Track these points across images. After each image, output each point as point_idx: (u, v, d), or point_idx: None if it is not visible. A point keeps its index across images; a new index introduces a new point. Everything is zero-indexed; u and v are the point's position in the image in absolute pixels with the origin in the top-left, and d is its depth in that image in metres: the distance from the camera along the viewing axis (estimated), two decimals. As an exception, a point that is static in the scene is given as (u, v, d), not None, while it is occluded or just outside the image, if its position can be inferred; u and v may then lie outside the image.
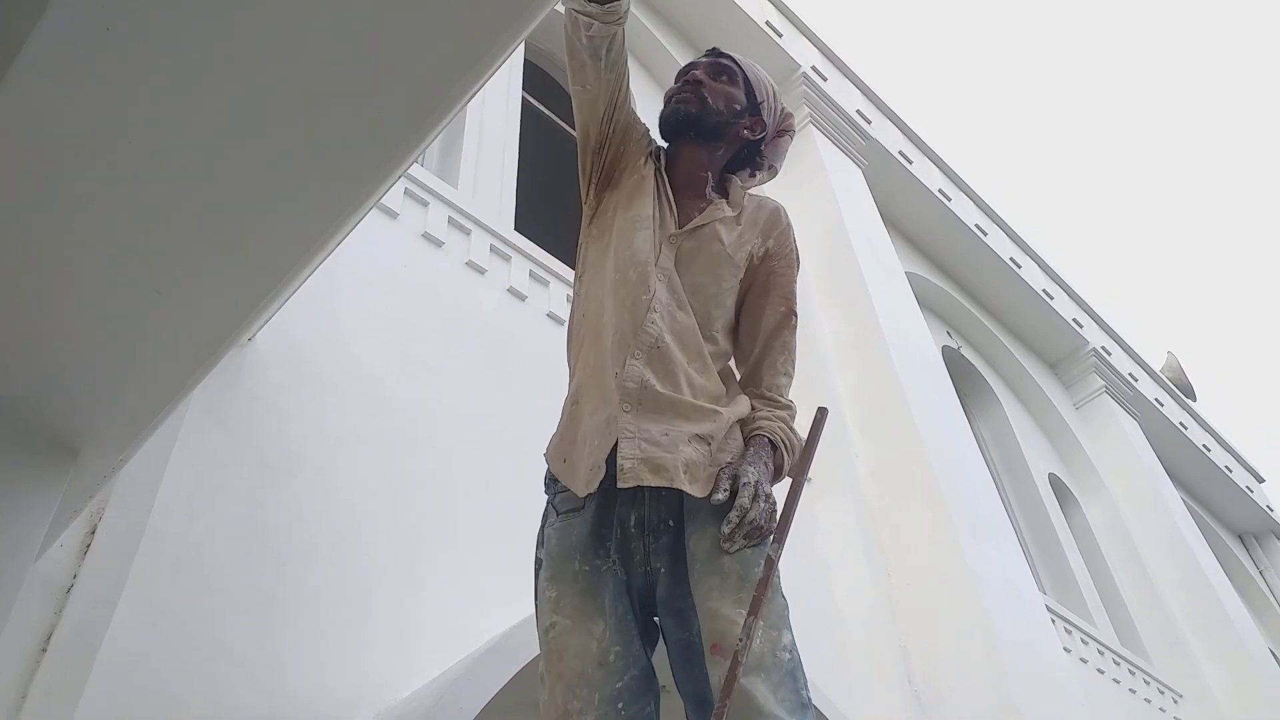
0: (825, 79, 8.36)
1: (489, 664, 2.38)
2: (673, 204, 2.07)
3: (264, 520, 2.81)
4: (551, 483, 1.92)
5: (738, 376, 2.06)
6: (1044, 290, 10.08)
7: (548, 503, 1.92)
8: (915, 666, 4.71)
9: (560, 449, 1.92)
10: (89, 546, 2.35)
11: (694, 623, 1.68)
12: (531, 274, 4.64)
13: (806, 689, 1.61)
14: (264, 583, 2.68)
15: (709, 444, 1.80)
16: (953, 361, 8.68)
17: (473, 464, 3.51)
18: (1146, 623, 8.03)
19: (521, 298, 4.48)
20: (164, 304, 1.69)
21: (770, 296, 2.06)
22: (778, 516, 1.72)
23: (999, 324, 9.69)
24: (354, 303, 3.52)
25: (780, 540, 1.67)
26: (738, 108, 2.13)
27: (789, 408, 1.97)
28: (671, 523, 1.78)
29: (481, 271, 4.36)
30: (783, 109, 2.23)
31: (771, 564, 1.63)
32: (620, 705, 1.64)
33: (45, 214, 1.57)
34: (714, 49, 2.22)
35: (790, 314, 2.06)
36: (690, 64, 2.21)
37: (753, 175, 2.22)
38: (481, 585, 3.12)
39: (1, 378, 1.74)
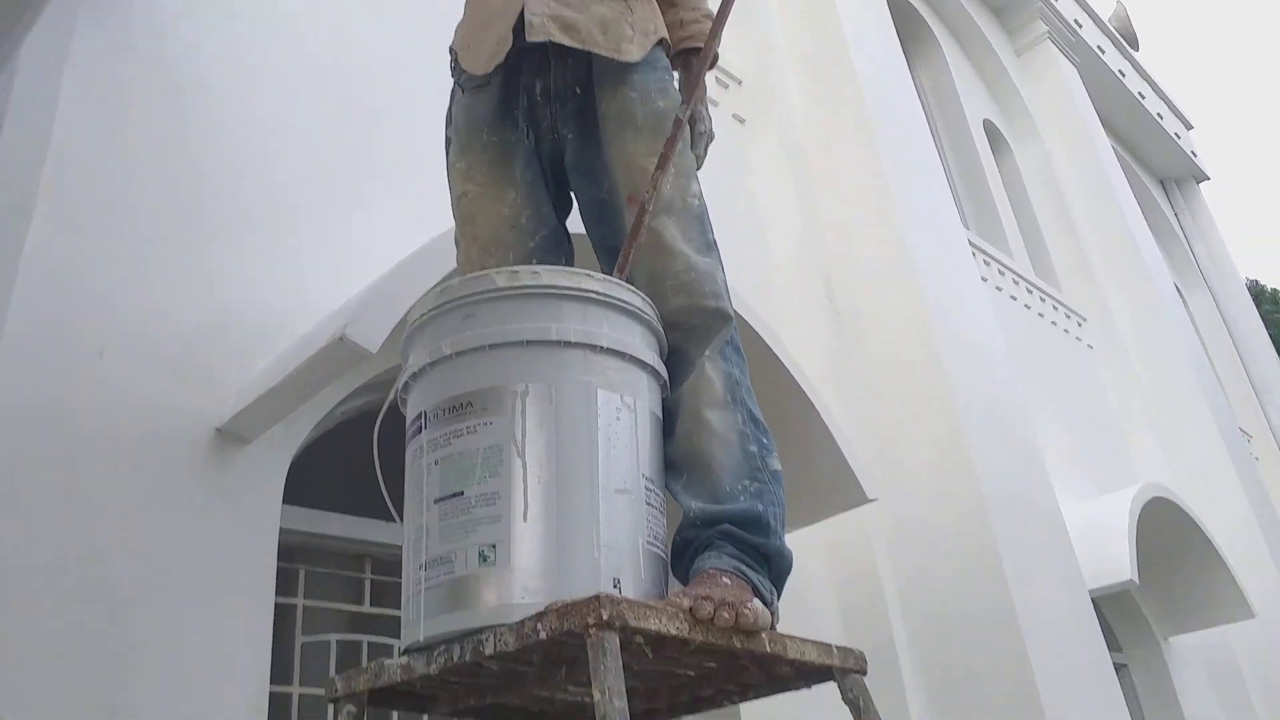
0: None
1: (421, 263, 2.44)
2: None
3: (179, 139, 2.75)
4: (456, 69, 1.93)
5: None
6: (994, -70, 9.61)
7: (454, 84, 1.93)
8: (837, 290, 4.95)
9: (463, 34, 1.91)
10: (-8, 156, 2.30)
11: (604, 181, 1.74)
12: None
13: (713, 233, 1.69)
14: (185, 198, 2.67)
15: (627, 4, 1.79)
16: (897, 6, 8.40)
17: (391, 88, 3.41)
18: (1062, 256, 8.45)
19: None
20: None
21: None
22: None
23: (946, -34, 9.30)
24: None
25: (687, 102, 1.69)
26: None
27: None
28: (579, 89, 1.79)
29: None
30: None
31: (680, 124, 1.66)
32: (534, 261, 1.74)
33: None
34: None
35: None
36: None
37: None
38: (408, 207, 3.14)
39: None
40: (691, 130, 1.82)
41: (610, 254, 1.79)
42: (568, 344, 1.36)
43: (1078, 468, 6.21)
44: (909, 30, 8.67)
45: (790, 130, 5.54)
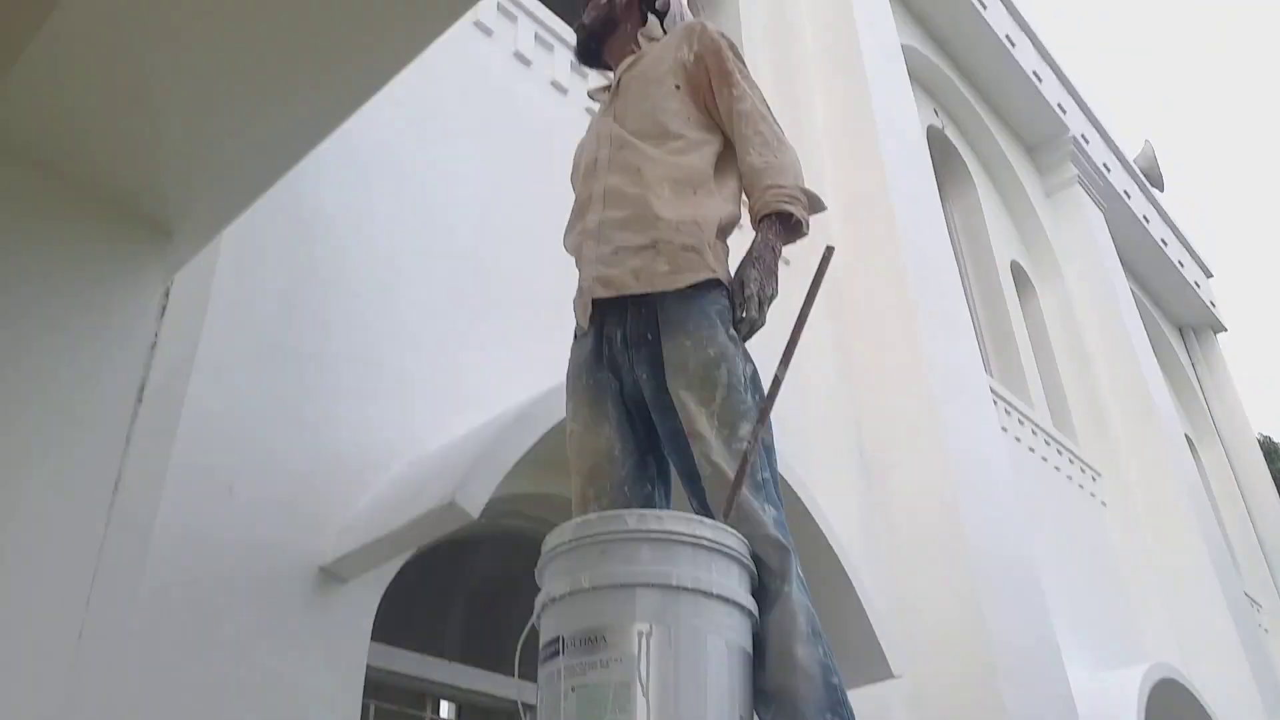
0: None
1: (521, 429, 2.74)
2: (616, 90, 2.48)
3: (307, 282, 3.07)
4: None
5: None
6: (1034, 72, 10.06)
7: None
8: (867, 439, 5.23)
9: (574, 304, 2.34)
10: (164, 308, 2.62)
11: (676, 416, 2.05)
12: (537, 37, 4.66)
13: (764, 470, 1.97)
14: (311, 342, 2.98)
15: (655, 249, 2.12)
16: (935, 141, 8.82)
17: (503, 236, 3.76)
18: (1079, 405, 8.72)
19: (527, 63, 4.54)
20: (259, 114, 1.88)
21: (717, 86, 2.36)
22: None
23: (985, 103, 9.74)
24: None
25: (785, 363, 2.00)
26: (604, 1, 2.56)
27: (770, 172, 2.22)
28: (650, 336, 2.13)
29: (488, 33, 4.39)
30: None
31: (778, 383, 1.96)
32: (625, 488, 2.07)
33: (154, 27, 1.73)
34: None
35: (730, 88, 2.33)
36: None
37: (651, 16, 2.61)
38: (505, 352, 3.47)
39: (113, 172, 1.95)
40: (734, 304, 2.11)
41: (690, 481, 2.09)
42: (684, 589, 1.65)
43: (1087, 635, 6.37)
44: (946, 166, 9.09)
45: (830, 269, 5.77)
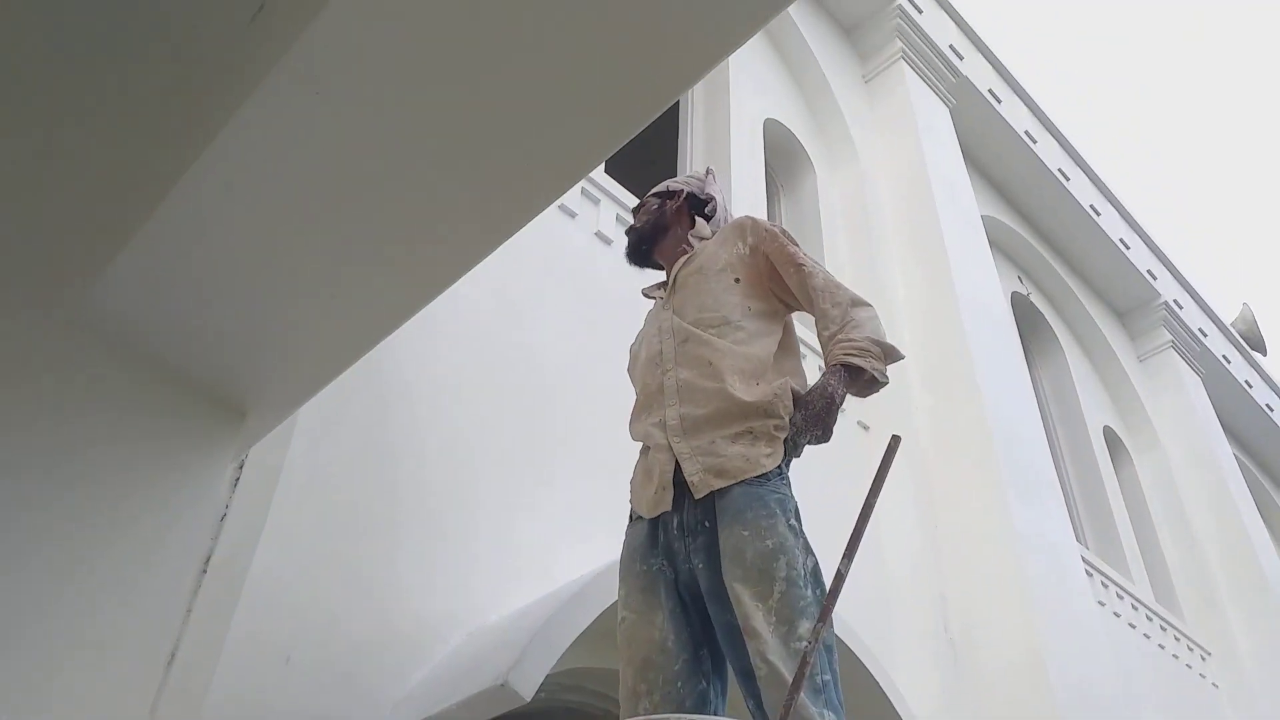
0: (920, 11, 8.23)
1: (575, 606, 2.70)
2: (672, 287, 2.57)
3: (379, 452, 3.13)
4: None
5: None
6: (1121, 240, 9.99)
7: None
8: (952, 615, 5.00)
9: (635, 478, 2.36)
10: (238, 480, 2.69)
11: (732, 610, 1.98)
12: (619, 218, 4.83)
13: (825, 672, 1.88)
14: (380, 510, 3.02)
15: (752, 434, 2.15)
16: (1021, 308, 8.74)
17: (568, 407, 3.80)
18: (1184, 581, 8.22)
19: (608, 241, 4.69)
20: (334, 307, 1.97)
21: (783, 268, 2.42)
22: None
23: (1072, 271, 9.67)
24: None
25: (849, 556, 1.93)
26: (655, 207, 2.72)
27: (842, 329, 2.26)
28: (707, 524, 2.10)
29: (571, 215, 4.56)
30: (688, 179, 2.82)
31: (841, 578, 1.89)
32: (679, 684, 2.00)
33: (240, 228, 1.84)
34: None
35: (798, 268, 2.39)
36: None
37: (700, 219, 2.73)
38: (568, 523, 3.45)
39: (191, 358, 2.05)
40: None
41: (745, 679, 2.01)
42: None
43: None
44: (1033, 332, 8.96)
45: (913, 436, 5.70)
